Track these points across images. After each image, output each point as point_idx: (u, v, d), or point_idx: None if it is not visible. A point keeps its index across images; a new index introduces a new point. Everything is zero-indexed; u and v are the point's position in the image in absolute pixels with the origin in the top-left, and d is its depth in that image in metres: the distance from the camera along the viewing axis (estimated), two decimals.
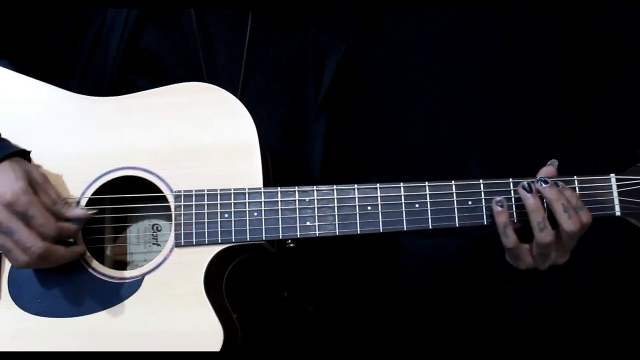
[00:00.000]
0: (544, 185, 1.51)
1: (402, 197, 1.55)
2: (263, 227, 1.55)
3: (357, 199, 1.55)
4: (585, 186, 1.54)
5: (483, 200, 1.54)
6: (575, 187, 1.54)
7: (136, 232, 1.66)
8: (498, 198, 1.52)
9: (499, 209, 1.52)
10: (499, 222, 1.52)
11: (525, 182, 1.52)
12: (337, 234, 1.55)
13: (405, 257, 1.84)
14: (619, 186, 1.54)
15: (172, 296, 1.53)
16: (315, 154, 1.77)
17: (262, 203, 1.55)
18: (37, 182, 1.50)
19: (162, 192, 1.57)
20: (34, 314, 1.54)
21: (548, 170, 1.57)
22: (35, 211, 1.45)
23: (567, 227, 1.49)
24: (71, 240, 1.54)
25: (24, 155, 1.54)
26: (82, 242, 1.57)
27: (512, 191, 1.54)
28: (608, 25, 2.36)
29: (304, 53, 1.79)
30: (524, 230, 1.53)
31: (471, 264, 1.68)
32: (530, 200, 1.51)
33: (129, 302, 1.53)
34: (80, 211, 1.53)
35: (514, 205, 1.54)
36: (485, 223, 1.54)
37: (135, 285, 1.54)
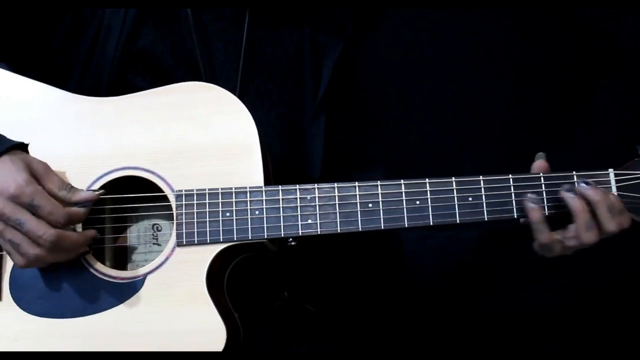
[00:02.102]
0: (586, 187, 1.52)
1: (403, 194, 1.56)
2: (265, 225, 1.55)
3: (358, 196, 1.56)
4: (584, 181, 1.55)
5: (483, 196, 1.55)
6: (574, 182, 1.55)
7: (137, 232, 1.66)
8: (530, 195, 1.54)
9: (533, 206, 1.53)
10: (534, 219, 1.53)
11: (566, 185, 1.54)
12: (339, 231, 1.55)
13: (413, 254, 1.84)
14: (617, 181, 1.56)
15: (174, 295, 1.53)
16: (315, 153, 1.78)
17: (264, 201, 1.56)
18: (39, 172, 1.50)
19: (163, 192, 1.57)
20: (35, 314, 1.54)
21: (540, 164, 1.59)
22: (41, 200, 1.45)
23: (609, 226, 1.51)
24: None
25: (22, 148, 1.54)
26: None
27: (511, 187, 1.56)
28: (605, 24, 2.38)
29: (302, 52, 1.80)
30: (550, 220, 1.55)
31: (481, 259, 1.69)
32: (576, 202, 1.52)
33: (131, 302, 1.53)
34: (86, 194, 1.52)
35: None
36: (485, 219, 1.55)
37: (137, 285, 1.54)
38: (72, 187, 1.53)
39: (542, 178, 1.56)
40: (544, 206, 1.54)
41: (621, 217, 1.53)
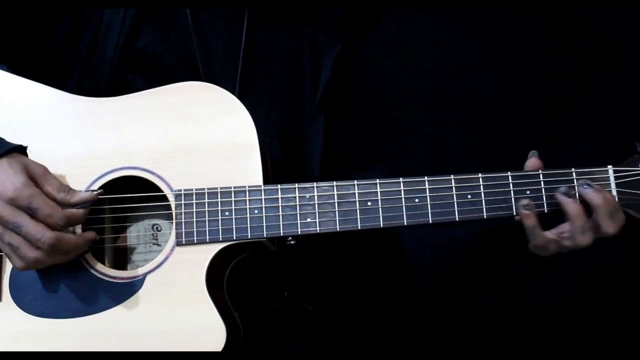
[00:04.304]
0: (587, 189, 1.52)
1: (402, 192, 1.56)
2: (264, 224, 1.55)
3: (357, 194, 1.56)
4: (583, 178, 1.55)
5: (482, 193, 1.55)
6: (573, 179, 1.55)
7: (136, 232, 1.66)
8: (524, 202, 1.53)
9: (527, 212, 1.53)
10: (528, 225, 1.53)
11: (563, 188, 1.53)
12: (338, 229, 1.55)
13: (411, 253, 1.84)
14: (616, 178, 1.56)
15: (174, 295, 1.53)
16: (314, 153, 1.78)
17: (263, 200, 1.56)
18: (37, 174, 1.50)
19: (162, 192, 1.57)
20: (35, 315, 1.54)
21: (534, 162, 1.59)
22: (39, 203, 1.45)
23: (609, 230, 1.51)
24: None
25: (21, 150, 1.54)
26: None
27: (510, 184, 1.56)
28: (604, 25, 2.40)
29: (301, 52, 1.80)
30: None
31: (480, 255, 1.69)
32: (574, 206, 1.51)
33: (130, 302, 1.53)
34: (85, 194, 1.51)
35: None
36: (484, 217, 1.55)
37: (137, 284, 1.54)
38: (70, 188, 1.52)
39: (540, 175, 1.56)
40: (543, 203, 1.54)
41: (619, 217, 1.52)
